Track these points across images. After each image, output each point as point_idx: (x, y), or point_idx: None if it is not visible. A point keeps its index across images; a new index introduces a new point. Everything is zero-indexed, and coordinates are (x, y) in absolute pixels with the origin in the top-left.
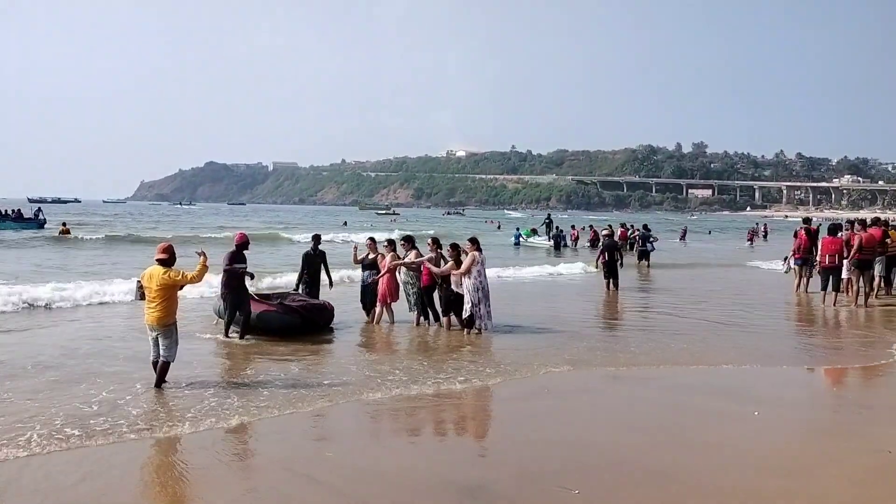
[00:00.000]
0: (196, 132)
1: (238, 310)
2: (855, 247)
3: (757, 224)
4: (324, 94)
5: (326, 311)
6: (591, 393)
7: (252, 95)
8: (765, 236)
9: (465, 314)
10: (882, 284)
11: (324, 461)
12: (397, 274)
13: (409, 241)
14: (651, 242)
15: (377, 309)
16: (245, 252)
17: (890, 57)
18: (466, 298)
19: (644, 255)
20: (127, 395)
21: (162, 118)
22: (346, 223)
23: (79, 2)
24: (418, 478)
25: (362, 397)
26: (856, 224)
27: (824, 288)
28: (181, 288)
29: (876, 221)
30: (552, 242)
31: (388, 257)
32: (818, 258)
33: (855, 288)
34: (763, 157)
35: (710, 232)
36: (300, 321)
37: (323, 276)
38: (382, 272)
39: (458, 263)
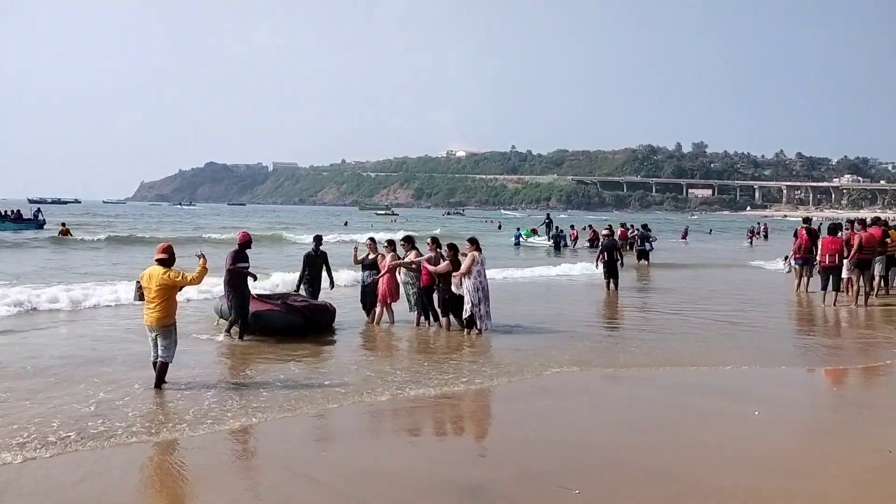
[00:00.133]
0: (196, 132)
1: (241, 309)
2: (855, 246)
3: (758, 223)
4: (324, 94)
5: (328, 312)
6: (591, 393)
7: (252, 95)
8: (765, 236)
9: (466, 314)
10: (881, 284)
11: (324, 461)
12: (397, 274)
13: (409, 242)
14: (650, 242)
15: (377, 309)
16: (248, 251)
17: (890, 57)
18: (466, 299)
19: (643, 254)
20: (126, 397)
21: (162, 118)
22: (346, 223)
23: (79, 2)
24: (418, 478)
25: (362, 398)
26: (855, 224)
27: (824, 287)
28: (181, 289)
29: (876, 221)
30: (552, 242)
31: (388, 257)
32: (818, 258)
33: (855, 287)
34: (763, 156)
35: (710, 231)
36: (303, 321)
37: (324, 275)
38: (382, 272)
39: (454, 263)
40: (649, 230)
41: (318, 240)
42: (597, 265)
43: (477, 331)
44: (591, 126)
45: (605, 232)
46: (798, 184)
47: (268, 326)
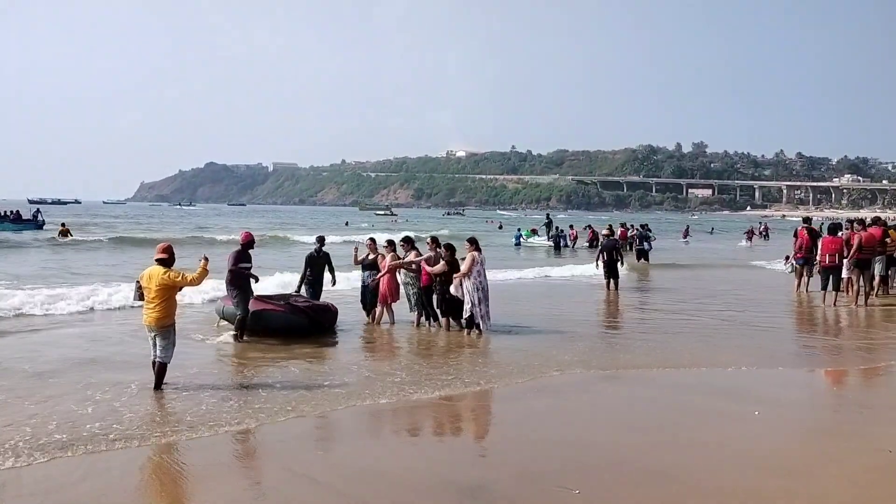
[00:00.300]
0: (196, 133)
1: (242, 307)
2: (854, 246)
3: (760, 223)
4: (324, 94)
5: (330, 312)
6: (591, 393)
7: (252, 95)
8: (765, 236)
9: (465, 314)
10: (881, 284)
11: (324, 462)
12: (397, 274)
13: (409, 242)
14: (649, 241)
15: (377, 309)
16: (250, 251)
17: (890, 57)
18: (466, 299)
19: (642, 254)
20: (126, 398)
21: (162, 119)
22: (347, 223)
23: (79, 2)
24: (419, 478)
25: (362, 398)
26: (855, 224)
27: (824, 287)
28: (180, 289)
29: (876, 221)
30: (552, 242)
31: (388, 258)
32: (818, 257)
33: (855, 287)
34: (763, 156)
35: (712, 230)
36: (306, 322)
37: (327, 274)
38: (382, 273)
39: (451, 263)
40: (649, 230)
41: (320, 240)
42: (596, 265)
43: (477, 331)
44: (591, 126)
45: (605, 232)
46: (798, 184)
47: (271, 327)
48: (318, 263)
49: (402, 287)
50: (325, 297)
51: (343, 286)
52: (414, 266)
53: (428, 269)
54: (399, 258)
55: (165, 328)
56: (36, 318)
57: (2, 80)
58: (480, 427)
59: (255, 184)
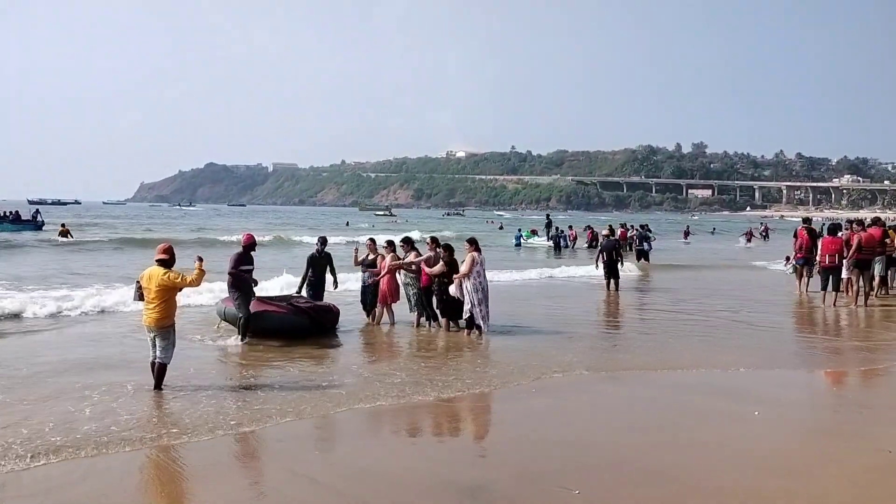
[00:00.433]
0: (196, 133)
1: (244, 309)
2: (854, 247)
3: (761, 223)
4: (324, 94)
5: (332, 313)
6: (590, 393)
7: (252, 95)
8: (765, 237)
9: (465, 314)
10: (881, 284)
11: (324, 462)
12: (397, 275)
13: (409, 243)
14: (649, 242)
15: (377, 309)
16: (252, 253)
17: (890, 57)
18: (466, 299)
19: (642, 254)
20: (125, 399)
21: (162, 119)
22: (348, 223)
23: (79, 2)
24: (419, 478)
25: (362, 399)
26: (854, 224)
27: (824, 288)
28: (180, 290)
29: (875, 221)
30: (552, 243)
31: (388, 258)
32: (818, 258)
33: (855, 288)
34: (763, 157)
35: (713, 230)
36: (309, 322)
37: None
38: (382, 273)
39: (450, 264)
40: (649, 230)
41: (322, 241)
42: (596, 265)
43: (477, 331)
44: (591, 126)
45: (605, 232)
46: (798, 184)
47: (275, 328)
48: (319, 264)
49: (402, 287)
50: (325, 298)
51: (345, 287)
52: (414, 266)
53: (427, 270)
54: (399, 259)
55: (165, 329)
56: (34, 320)
57: (2, 80)
58: (480, 427)
59: (255, 184)
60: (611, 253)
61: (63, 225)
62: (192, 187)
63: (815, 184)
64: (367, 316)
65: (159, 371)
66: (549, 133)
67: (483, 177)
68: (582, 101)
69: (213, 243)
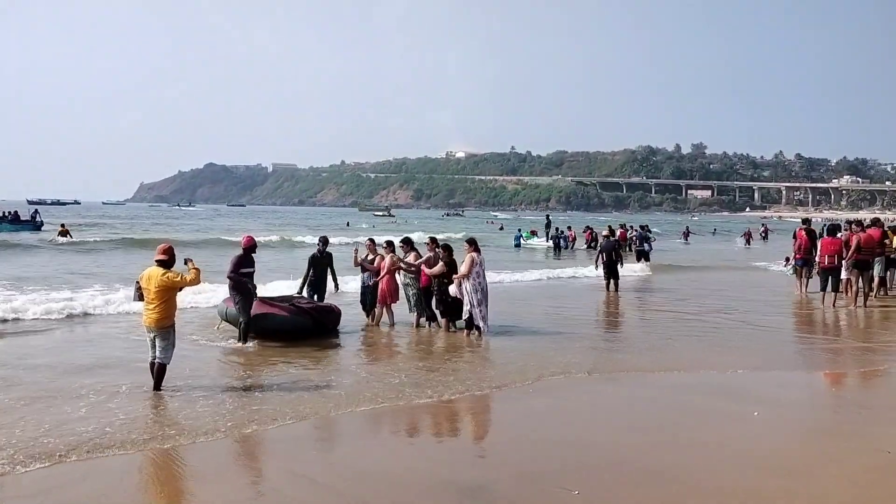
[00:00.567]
0: (195, 133)
1: (247, 313)
2: (853, 247)
3: (762, 224)
4: (324, 95)
5: (334, 314)
6: (590, 393)
7: (252, 96)
8: (764, 238)
9: (465, 315)
10: (880, 285)
11: (324, 463)
12: (397, 275)
13: (408, 244)
14: (649, 242)
15: (377, 310)
16: (253, 255)
17: (889, 57)
18: (466, 300)
19: (642, 254)
20: (124, 400)
21: (161, 119)
22: (348, 224)
23: (79, 2)
24: (419, 479)
25: (361, 400)
26: (853, 225)
27: (823, 288)
28: (180, 290)
29: (875, 222)
30: (551, 243)
31: (388, 259)
32: (817, 259)
33: (854, 289)
34: (762, 157)
35: (714, 231)
36: (311, 323)
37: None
38: (382, 274)
39: (449, 264)
40: (649, 231)
41: (324, 241)
42: (596, 266)
43: (476, 332)
44: (591, 127)
45: (605, 233)
46: (797, 185)
47: (277, 329)
48: (321, 264)
49: (401, 288)
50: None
51: (346, 286)
52: (413, 267)
53: (427, 271)
54: (399, 259)
55: (165, 329)
56: (32, 321)
57: (1, 80)
58: (480, 428)
59: (255, 184)
60: (610, 254)
61: (62, 225)
62: (191, 188)
63: (814, 184)
64: (367, 316)
65: (159, 371)
66: (548, 133)
67: (483, 177)
68: (581, 102)
69: (222, 244)
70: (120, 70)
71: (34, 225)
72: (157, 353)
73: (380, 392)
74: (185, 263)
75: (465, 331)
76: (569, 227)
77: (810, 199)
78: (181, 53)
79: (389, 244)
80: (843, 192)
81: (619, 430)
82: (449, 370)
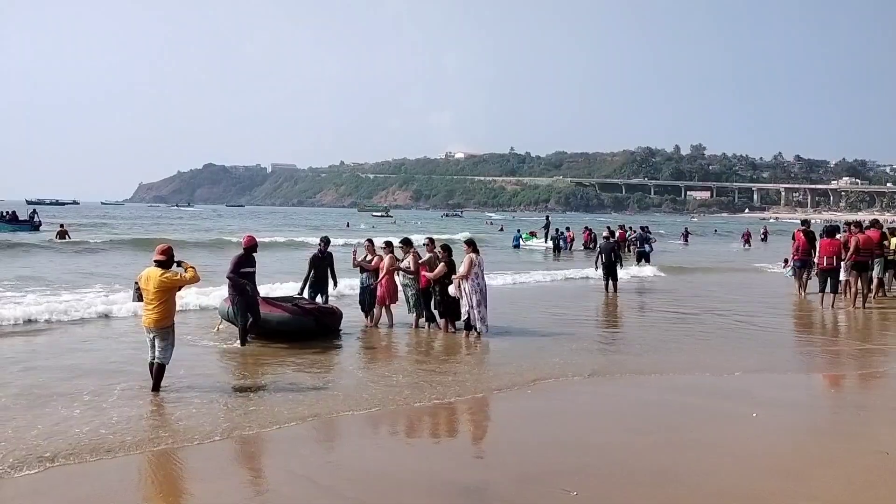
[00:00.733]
0: (194, 134)
1: (248, 312)
2: (852, 248)
3: (764, 226)
4: (323, 95)
5: (335, 315)
6: (589, 395)
7: (251, 97)
8: (763, 239)
9: (463, 316)
10: (879, 286)
11: (323, 464)
12: (396, 276)
13: (408, 244)
14: (649, 243)
15: (376, 311)
16: (254, 255)
17: (889, 58)
18: (464, 301)
19: (643, 255)
20: (122, 400)
21: (160, 119)
22: (348, 224)
23: (78, 2)
24: (418, 479)
25: (360, 401)
26: (852, 226)
27: (822, 289)
28: (180, 289)
29: (874, 223)
30: (551, 244)
31: (387, 259)
32: (816, 260)
33: (853, 290)
34: (761, 158)
35: (715, 231)
36: (314, 324)
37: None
38: (381, 275)
39: (449, 264)
40: (649, 232)
41: (325, 241)
42: (596, 267)
43: (475, 333)
44: (590, 128)
45: (604, 234)
46: (796, 186)
47: (280, 329)
48: (322, 265)
49: (400, 289)
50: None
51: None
52: (412, 268)
53: (428, 275)
54: (397, 260)
55: (164, 329)
56: (29, 322)
57: (1, 81)
58: (479, 429)
59: (254, 185)
60: (609, 254)
61: (61, 225)
62: (190, 188)
63: (813, 186)
64: (366, 317)
65: (158, 372)
66: (547, 134)
67: (482, 178)
68: (581, 103)
69: (219, 243)
70: (119, 70)
71: (32, 225)
72: (157, 354)
73: (378, 393)
74: (179, 265)
75: (464, 332)
76: (567, 228)
77: (809, 200)
78: (180, 54)
79: (388, 245)
80: (842, 193)
81: (618, 432)
82: (448, 372)
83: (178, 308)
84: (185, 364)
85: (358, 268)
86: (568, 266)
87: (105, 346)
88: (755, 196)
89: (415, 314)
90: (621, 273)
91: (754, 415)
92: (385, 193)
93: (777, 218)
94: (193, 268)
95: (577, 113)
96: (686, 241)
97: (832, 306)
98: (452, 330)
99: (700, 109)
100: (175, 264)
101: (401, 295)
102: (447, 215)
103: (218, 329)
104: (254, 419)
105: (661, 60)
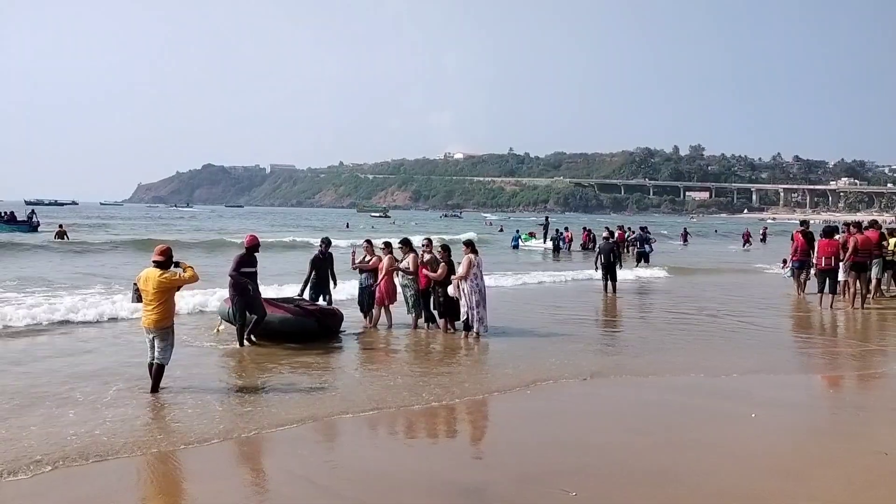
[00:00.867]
0: (194, 134)
1: (250, 312)
2: (850, 249)
3: (764, 227)
4: (322, 96)
5: (337, 317)
6: (588, 395)
7: (250, 97)
8: (763, 240)
9: (462, 317)
10: (878, 287)
11: (323, 465)
12: (395, 276)
13: (407, 245)
14: (649, 244)
15: (375, 311)
16: (256, 254)
17: (888, 59)
18: (463, 301)
19: (642, 256)
20: (121, 401)
21: (159, 120)
22: (348, 225)
23: (78, 2)
24: (417, 480)
25: (359, 402)
26: (851, 227)
27: (821, 290)
28: (179, 289)
29: (873, 224)
30: (550, 244)
31: (386, 260)
32: (815, 260)
33: (852, 291)
34: (760, 159)
35: (716, 231)
36: (316, 325)
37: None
38: (381, 276)
39: (448, 265)
40: (648, 232)
41: (326, 242)
42: (596, 268)
43: (474, 333)
44: (589, 129)
45: (604, 234)
46: (795, 186)
47: (283, 330)
48: (323, 266)
49: (399, 289)
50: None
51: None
52: (411, 268)
53: (431, 275)
54: (397, 260)
55: (164, 329)
56: (27, 323)
57: (1, 80)
58: (478, 430)
59: (253, 185)
60: (608, 255)
61: (60, 226)
62: (189, 188)
63: (812, 186)
64: (365, 318)
65: (157, 373)
66: (547, 135)
67: (481, 178)
68: (580, 103)
69: (220, 244)
70: (119, 70)
71: (30, 226)
72: (156, 354)
73: (377, 394)
74: (178, 266)
75: (463, 333)
76: (566, 228)
77: (808, 200)
78: (180, 54)
79: (387, 245)
80: (841, 194)
81: (618, 432)
82: (447, 373)
83: (176, 310)
84: (183, 365)
85: (357, 269)
86: (567, 266)
87: (104, 347)
88: (754, 196)
89: (414, 315)
90: (623, 274)
91: (753, 415)
92: (384, 194)
93: (774, 218)
94: (192, 268)
95: (577, 113)
96: (685, 241)
97: (831, 307)
98: (452, 330)
99: (699, 110)
100: (173, 265)
101: (400, 295)
102: (446, 216)
103: (218, 330)
104: (253, 420)
105: (661, 61)
